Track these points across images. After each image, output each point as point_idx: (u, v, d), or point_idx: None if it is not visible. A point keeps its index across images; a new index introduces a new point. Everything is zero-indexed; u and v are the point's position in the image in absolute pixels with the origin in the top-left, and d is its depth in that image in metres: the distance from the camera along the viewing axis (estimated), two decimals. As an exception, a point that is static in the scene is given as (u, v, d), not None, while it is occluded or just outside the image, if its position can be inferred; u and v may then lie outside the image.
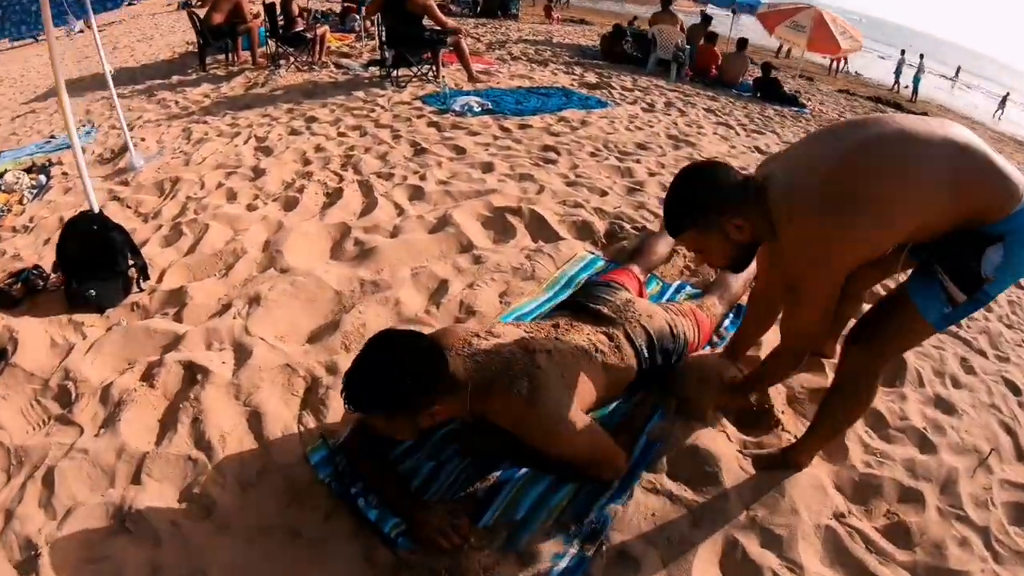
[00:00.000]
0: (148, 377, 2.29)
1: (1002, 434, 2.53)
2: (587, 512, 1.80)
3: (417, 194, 3.89)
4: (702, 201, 1.74)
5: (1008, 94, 29.62)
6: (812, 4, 12.95)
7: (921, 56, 22.54)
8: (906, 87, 21.67)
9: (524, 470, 1.89)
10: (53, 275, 2.96)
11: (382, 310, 2.65)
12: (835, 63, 23.85)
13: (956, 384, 2.79)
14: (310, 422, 2.08)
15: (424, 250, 3.18)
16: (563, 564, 1.65)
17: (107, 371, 2.36)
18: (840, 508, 1.99)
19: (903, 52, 23.57)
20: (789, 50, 22.27)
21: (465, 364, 1.76)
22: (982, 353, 3.14)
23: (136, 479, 1.91)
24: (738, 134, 6.93)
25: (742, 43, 11.33)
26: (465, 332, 1.94)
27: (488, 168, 4.44)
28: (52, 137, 5.74)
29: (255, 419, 2.07)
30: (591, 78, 8.90)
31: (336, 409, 2.11)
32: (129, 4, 24.25)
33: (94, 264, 2.80)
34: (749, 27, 17.12)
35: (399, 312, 2.65)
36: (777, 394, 2.37)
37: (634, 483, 1.91)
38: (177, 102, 6.44)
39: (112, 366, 2.39)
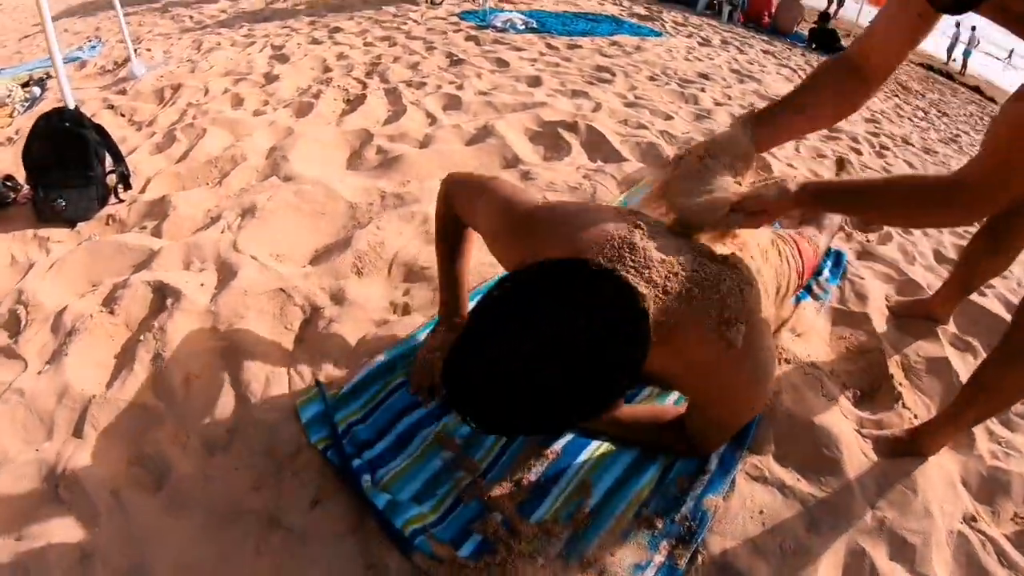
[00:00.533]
0: (110, 301, 1.81)
1: None
2: (677, 505, 1.26)
3: (453, 103, 3.32)
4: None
5: None
6: None
7: (973, 28, 21.07)
8: (953, 60, 20.19)
9: (596, 443, 1.35)
10: (27, 186, 2.46)
11: (406, 227, 2.09)
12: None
13: None
14: (304, 367, 1.54)
15: (460, 162, 2.61)
16: (646, 579, 1.12)
17: (66, 294, 1.90)
18: (969, 509, 1.50)
19: (958, 25, 22.12)
20: (836, 11, 21.03)
21: (656, 303, 1.06)
22: None
23: (78, 431, 1.44)
24: (802, 79, 6.18)
25: None
26: (617, 229, 1.14)
27: (535, 82, 3.84)
28: (56, 53, 5.32)
29: (233, 358, 1.55)
30: (640, 10, 8.17)
31: (341, 349, 1.57)
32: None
33: (64, 168, 2.32)
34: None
35: (427, 230, 2.09)
36: (894, 364, 1.79)
37: (735, 468, 1.39)
38: (191, 16, 5.91)
39: (72, 288, 1.94)
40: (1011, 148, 1.12)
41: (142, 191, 2.48)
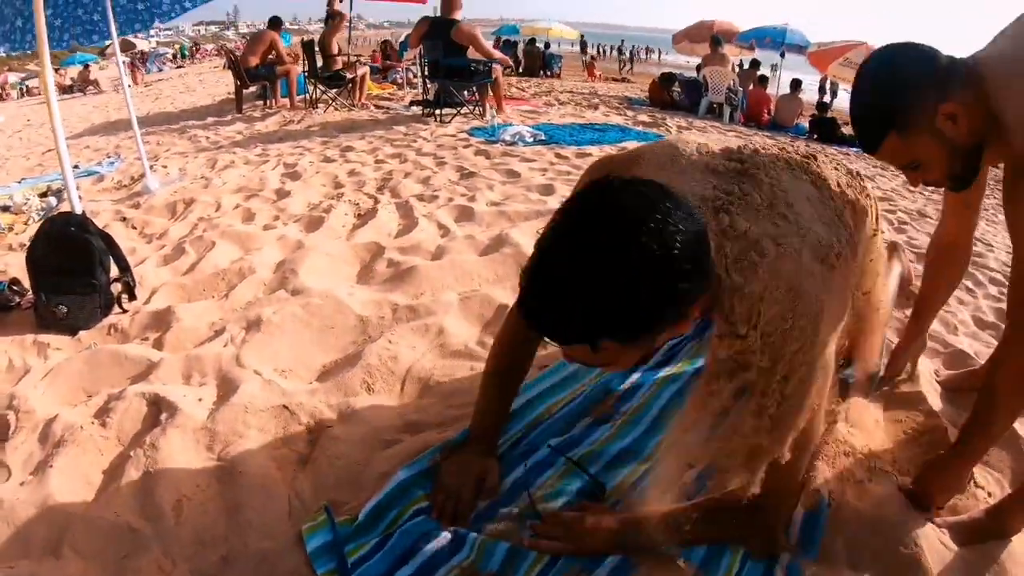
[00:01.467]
0: (102, 413, 1.71)
1: None
2: None
3: (466, 215, 3.30)
4: (898, 87, 1.24)
5: None
6: (864, 41, 12.52)
7: None
8: None
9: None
10: (31, 291, 2.42)
11: (419, 341, 2.00)
12: None
13: None
14: (307, 489, 1.41)
15: (475, 272, 2.55)
16: None
17: (58, 403, 1.81)
18: None
19: None
20: (831, 101, 21.99)
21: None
22: None
23: (56, 551, 1.30)
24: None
25: (795, 84, 10.84)
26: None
27: (547, 190, 3.85)
28: (75, 167, 5.44)
29: (229, 479, 1.42)
30: (645, 118, 8.46)
31: (348, 471, 1.44)
32: (179, 67, 25.24)
33: (67, 273, 2.27)
34: (796, 69, 16.91)
35: (442, 344, 2.00)
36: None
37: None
38: (208, 138, 6.09)
39: (66, 397, 1.86)
40: None
41: (146, 302, 2.43)
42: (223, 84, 13.15)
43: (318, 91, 7.88)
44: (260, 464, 1.47)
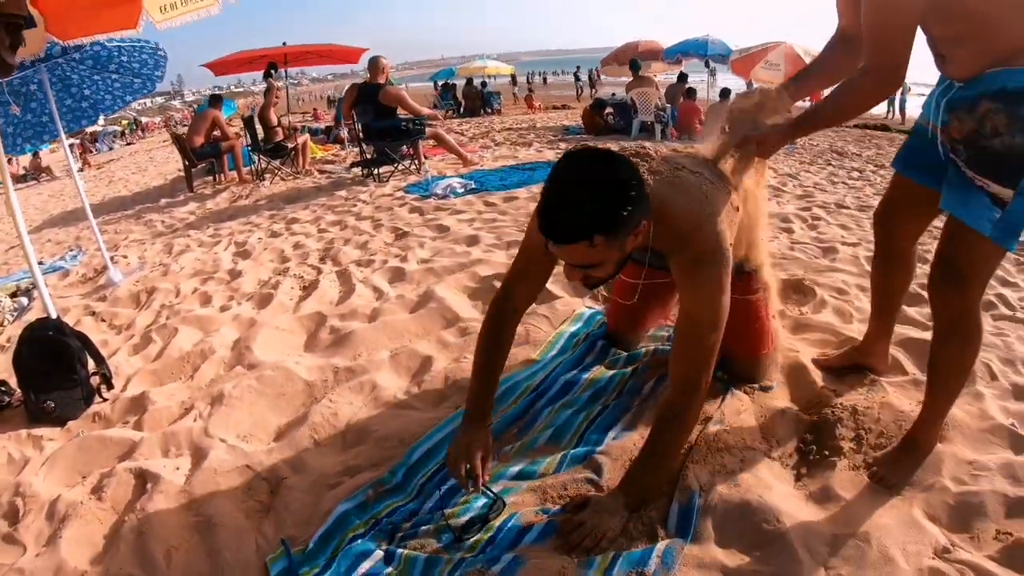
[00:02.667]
0: (98, 490, 2.02)
1: None
2: None
3: (397, 276, 3.67)
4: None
5: None
6: (782, 41, 12.86)
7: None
8: (889, 115, 20.20)
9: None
10: (20, 390, 2.72)
11: (356, 397, 2.37)
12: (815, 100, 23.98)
13: None
14: (270, 530, 1.75)
15: (405, 330, 2.92)
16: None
17: (58, 486, 2.11)
18: (941, 542, 1.60)
19: None
20: None
21: (648, 175, 1.64)
22: None
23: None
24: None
25: (724, 92, 11.37)
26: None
27: (473, 241, 4.24)
28: (40, 263, 5.66)
29: (207, 530, 1.76)
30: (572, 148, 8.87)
31: (302, 512, 1.80)
32: (128, 144, 25.26)
33: (51, 373, 2.58)
34: (725, 80, 17.54)
35: (376, 397, 2.37)
36: (841, 411, 2.06)
37: (673, 561, 1.49)
38: (163, 221, 6.37)
39: (64, 480, 2.15)
40: (882, 20, 1.55)
41: (123, 389, 2.73)
42: (173, 161, 13.33)
43: (263, 162, 8.22)
44: (231, 515, 1.81)
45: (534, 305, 2.98)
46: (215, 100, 9.16)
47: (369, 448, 2.07)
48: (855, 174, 7.71)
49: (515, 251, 3.79)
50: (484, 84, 23.06)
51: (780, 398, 2.21)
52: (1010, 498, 1.71)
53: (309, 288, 3.66)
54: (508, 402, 2.22)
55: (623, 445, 1.94)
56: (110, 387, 2.73)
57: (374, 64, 7.16)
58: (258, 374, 2.56)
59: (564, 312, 2.94)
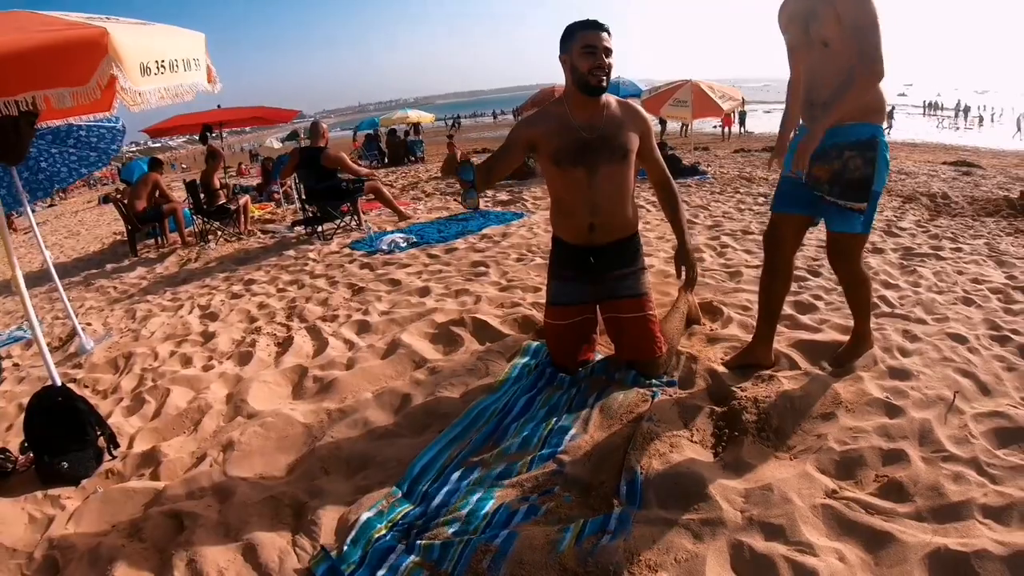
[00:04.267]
0: (134, 534, 2.23)
1: (961, 379, 2.77)
2: (593, 553, 1.81)
3: (363, 328, 4.01)
4: None
5: None
6: (688, 80, 13.54)
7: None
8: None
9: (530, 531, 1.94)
10: (20, 456, 2.90)
11: (352, 432, 2.70)
12: (726, 128, 25.77)
13: (904, 353, 3.06)
14: (306, 544, 2.06)
15: (381, 374, 3.27)
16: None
17: (92, 536, 2.29)
18: (830, 486, 2.09)
19: None
20: (684, 129, 24.03)
21: None
22: (921, 321, 3.47)
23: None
24: (649, 211, 7.35)
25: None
26: None
27: (424, 292, 4.62)
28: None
29: (250, 551, 2.04)
30: (504, 196, 9.42)
31: (328, 526, 2.11)
32: (51, 206, 24.37)
33: (64, 436, 2.76)
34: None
35: (369, 430, 2.71)
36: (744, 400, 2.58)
37: (628, 522, 1.93)
38: (115, 287, 6.42)
39: (96, 531, 2.32)
40: (860, 24, 2.31)
41: (129, 447, 2.93)
42: (104, 224, 13.19)
43: (205, 224, 8.33)
44: (268, 536, 2.09)
45: (488, 344, 3.42)
46: (155, 164, 9.24)
47: (374, 471, 2.41)
48: (761, 199, 8.35)
49: (465, 297, 4.23)
50: (407, 133, 23.52)
51: (698, 396, 2.72)
52: (885, 451, 2.26)
53: (284, 344, 3.93)
54: (481, 423, 2.63)
55: (577, 445, 2.39)
56: (116, 446, 2.92)
57: (315, 129, 7.54)
58: (260, 421, 2.85)
59: (514, 346, 3.38)
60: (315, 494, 2.31)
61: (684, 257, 2.87)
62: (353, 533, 2.01)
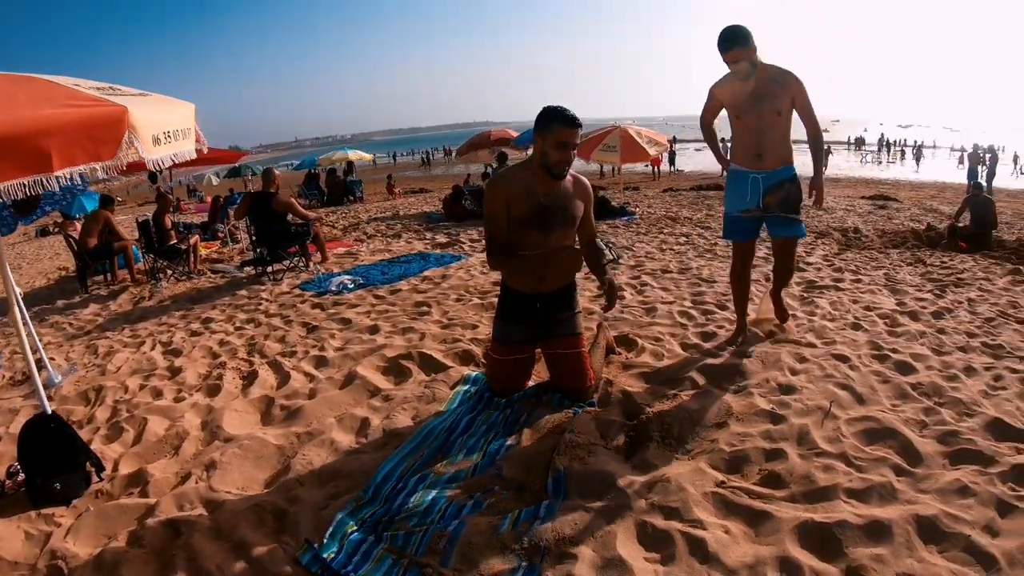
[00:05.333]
0: (134, 542, 2.48)
1: (839, 391, 3.29)
2: (529, 533, 2.23)
3: (321, 362, 4.36)
4: None
5: None
6: (617, 125, 13.85)
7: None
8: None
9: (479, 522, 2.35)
10: (8, 481, 3.06)
11: (321, 450, 3.08)
12: (656, 168, 26.81)
13: (793, 372, 3.57)
14: (290, 540, 2.42)
15: (341, 402, 3.65)
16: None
17: (92, 546, 2.51)
18: (719, 478, 2.53)
19: (723, 140, 26.96)
20: (614, 169, 24.92)
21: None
22: (811, 345, 4.03)
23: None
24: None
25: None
26: None
27: (374, 330, 5.01)
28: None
29: (242, 549, 2.37)
30: (442, 239, 9.78)
31: (308, 525, 2.48)
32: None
33: (56, 460, 2.96)
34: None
35: (336, 449, 3.09)
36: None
37: (555, 510, 2.37)
38: (71, 323, 6.47)
39: (95, 542, 2.54)
40: (807, 107, 3.77)
41: (114, 470, 3.15)
42: (46, 258, 12.94)
43: (156, 263, 8.43)
44: (257, 537, 2.43)
45: (434, 375, 3.85)
46: (106, 202, 9.26)
47: (342, 481, 2.81)
48: (682, 239, 8.95)
49: (411, 335, 4.67)
50: (346, 173, 23.72)
51: (613, 413, 3.18)
52: (767, 450, 2.74)
53: (249, 378, 4.23)
54: (431, 439, 3.08)
55: (512, 453, 2.86)
56: (102, 468, 3.14)
57: (268, 175, 7.86)
58: (237, 444, 3.19)
59: (456, 376, 3.84)
60: (293, 501, 2.67)
61: (609, 289, 3.29)
62: (330, 529, 2.41)
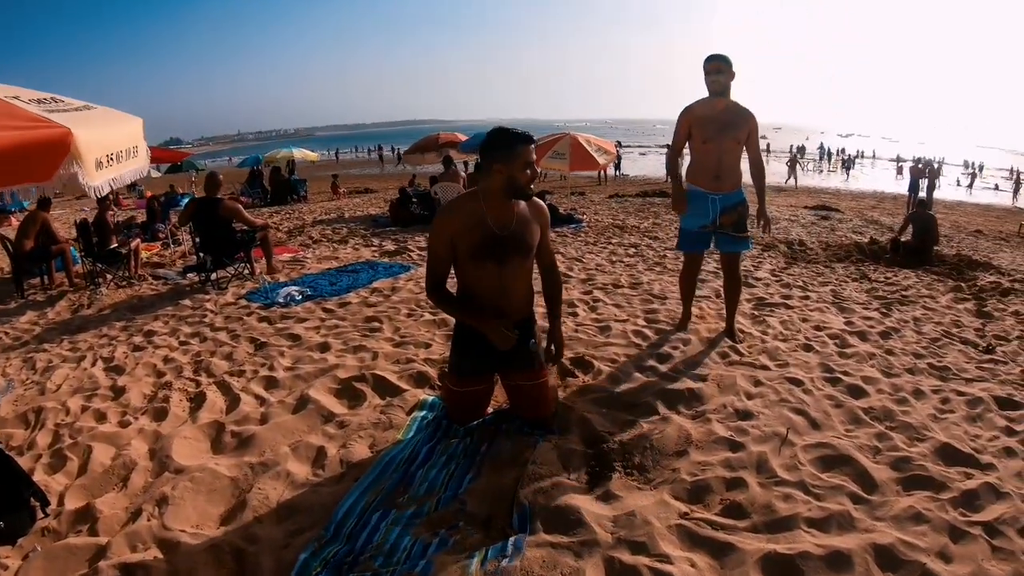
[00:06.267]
0: None
1: (794, 416, 3.34)
2: (495, 574, 2.22)
3: (271, 383, 4.22)
4: None
5: None
6: (567, 132, 13.92)
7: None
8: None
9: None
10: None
11: (277, 483, 2.99)
12: (602, 173, 27.16)
13: (749, 396, 3.61)
14: (250, 583, 2.37)
15: (295, 428, 3.54)
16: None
17: None
18: (682, 509, 2.55)
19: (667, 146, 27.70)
20: (561, 175, 25.06)
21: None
22: (765, 367, 4.10)
23: None
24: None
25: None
26: None
27: (325, 348, 4.87)
28: None
29: None
30: (390, 246, 9.58)
31: (269, 567, 2.43)
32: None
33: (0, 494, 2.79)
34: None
35: (292, 481, 3.00)
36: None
37: (522, 547, 2.33)
38: (7, 333, 6.11)
39: None
40: (756, 137, 4.51)
41: (60, 504, 2.99)
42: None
43: (94, 267, 8.02)
44: None
45: (389, 398, 3.81)
46: (44, 203, 8.77)
47: (302, 516, 2.74)
48: (632, 250, 8.97)
49: (363, 353, 4.61)
50: (291, 171, 23.14)
51: (573, 442, 3.13)
52: (728, 479, 2.77)
53: (196, 400, 4.07)
54: (391, 470, 3.02)
55: (475, 487, 2.82)
56: (47, 503, 2.97)
57: (213, 180, 7.59)
58: (188, 476, 3.06)
59: (411, 400, 3.79)
60: (251, 540, 2.61)
61: (556, 340, 3.30)
62: (294, 571, 2.37)
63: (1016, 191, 29.67)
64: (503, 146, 2.77)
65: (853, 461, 2.94)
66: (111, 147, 3.05)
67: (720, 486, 2.74)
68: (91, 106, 3.38)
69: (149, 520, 2.82)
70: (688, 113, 4.37)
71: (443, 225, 2.90)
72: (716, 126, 4.25)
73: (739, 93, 4.29)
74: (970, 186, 36.45)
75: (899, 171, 38.39)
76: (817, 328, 5.11)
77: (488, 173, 2.84)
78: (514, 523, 2.54)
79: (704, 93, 4.35)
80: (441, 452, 3.15)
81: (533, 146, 2.81)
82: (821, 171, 41.85)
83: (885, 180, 35.70)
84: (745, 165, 4.43)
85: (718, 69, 4.19)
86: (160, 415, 3.91)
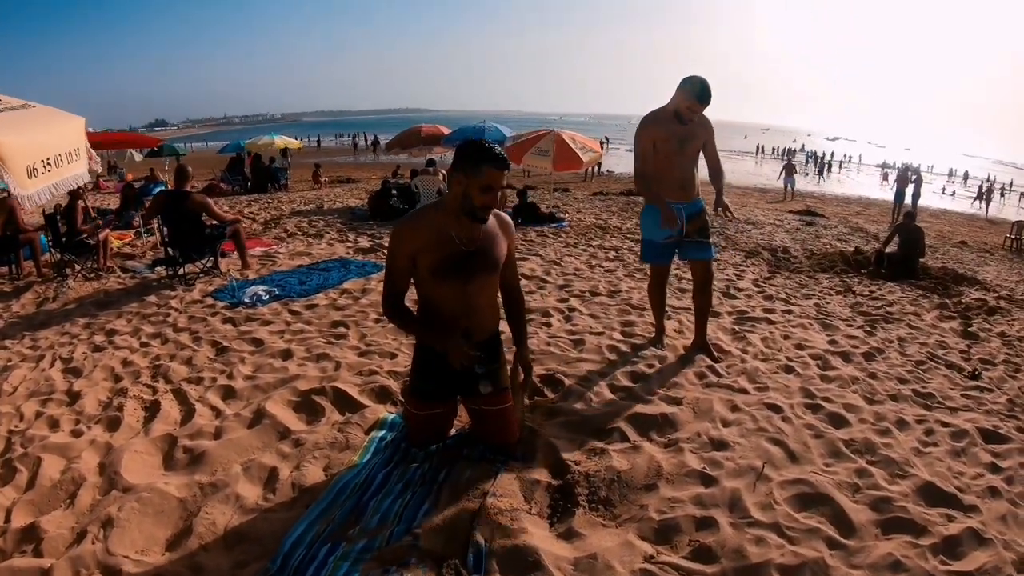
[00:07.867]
0: None
1: (772, 447, 3.16)
2: None
3: (229, 393, 4.12)
4: None
5: None
6: (551, 129, 13.54)
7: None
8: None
9: None
10: None
11: (226, 508, 2.90)
12: (589, 169, 27.08)
13: (725, 423, 3.42)
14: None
15: (249, 445, 3.43)
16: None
17: None
18: (648, 552, 2.37)
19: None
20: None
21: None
22: (744, 391, 3.92)
23: None
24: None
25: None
26: None
27: (287, 355, 4.74)
28: None
29: None
30: (365, 242, 9.38)
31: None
32: None
33: None
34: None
35: (241, 505, 2.91)
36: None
37: None
38: None
39: None
40: (714, 145, 4.60)
41: (6, 520, 2.89)
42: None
43: (62, 257, 7.82)
44: None
45: (348, 415, 3.73)
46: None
47: (250, 545, 2.66)
48: (612, 254, 8.80)
49: (326, 363, 4.55)
50: (272, 160, 22.79)
51: (536, 470, 2.99)
52: (698, 518, 2.60)
53: (151, 409, 3.95)
54: (343, 498, 2.92)
55: (430, 520, 2.63)
56: None
57: (182, 174, 7.40)
58: (136, 496, 2.96)
59: (371, 417, 3.69)
60: (197, 570, 2.52)
61: (525, 363, 3.14)
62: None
63: (988, 200, 29.85)
64: (469, 160, 2.55)
65: (831, 500, 2.80)
66: (46, 151, 2.87)
67: (689, 525, 2.57)
68: (31, 105, 3.21)
69: (94, 543, 2.72)
70: (648, 131, 4.34)
71: (405, 238, 2.67)
72: (677, 140, 4.31)
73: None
74: (953, 195, 36.96)
75: (884, 177, 38.90)
76: (799, 347, 4.97)
77: (451, 183, 2.64)
78: (469, 562, 2.39)
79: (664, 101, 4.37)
80: (397, 479, 2.96)
81: (502, 171, 2.54)
82: (807, 174, 42.02)
83: (870, 185, 36.02)
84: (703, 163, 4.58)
85: (702, 111, 4.26)
86: (113, 424, 3.78)
